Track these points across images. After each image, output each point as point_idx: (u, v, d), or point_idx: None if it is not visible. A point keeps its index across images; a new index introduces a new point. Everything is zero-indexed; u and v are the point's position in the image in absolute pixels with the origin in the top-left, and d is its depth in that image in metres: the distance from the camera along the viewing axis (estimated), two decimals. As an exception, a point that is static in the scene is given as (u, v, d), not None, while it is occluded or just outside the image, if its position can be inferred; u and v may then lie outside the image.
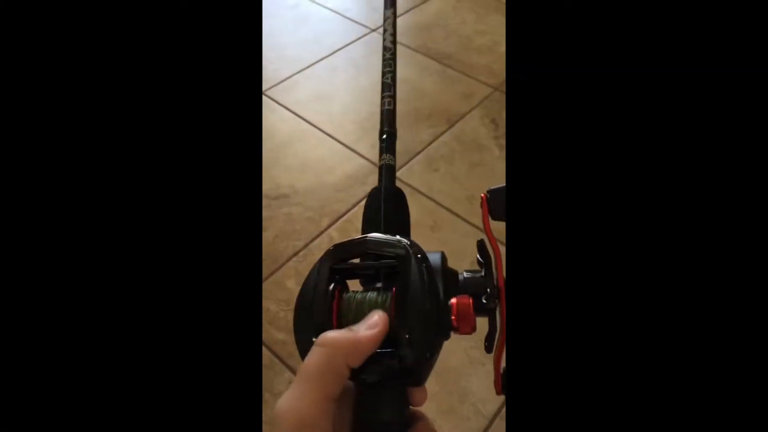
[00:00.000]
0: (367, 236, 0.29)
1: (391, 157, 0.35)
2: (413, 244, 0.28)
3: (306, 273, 0.28)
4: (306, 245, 1.03)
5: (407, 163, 1.18)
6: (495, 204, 0.28)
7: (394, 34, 0.39)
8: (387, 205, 0.34)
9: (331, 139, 1.24)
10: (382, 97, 0.37)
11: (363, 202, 0.35)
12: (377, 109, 0.37)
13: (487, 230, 0.29)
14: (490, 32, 1.51)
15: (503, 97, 1.32)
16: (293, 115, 1.30)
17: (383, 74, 0.37)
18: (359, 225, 0.34)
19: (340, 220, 1.07)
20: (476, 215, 1.11)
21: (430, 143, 1.22)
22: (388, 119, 0.36)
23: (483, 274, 0.28)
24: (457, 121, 1.26)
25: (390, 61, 0.38)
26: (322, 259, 0.28)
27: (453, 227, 1.04)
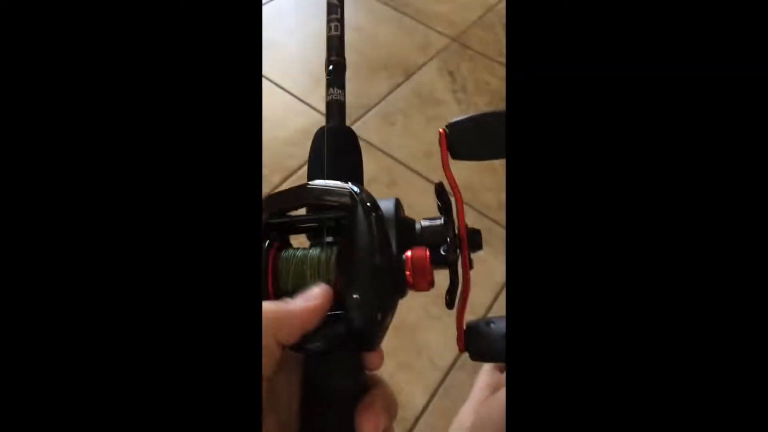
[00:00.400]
0: (306, 184, 0.25)
1: (340, 91, 0.31)
2: (362, 191, 0.24)
3: None
4: (257, 203, 0.98)
5: (363, 116, 1.13)
6: (457, 140, 0.25)
7: None
8: (335, 147, 0.30)
9: (280, 90, 1.17)
10: (328, 21, 0.31)
11: (316, 157, 0.31)
12: None
13: (446, 171, 0.25)
14: (448, -21, 1.45)
15: (461, 49, 1.28)
16: (239, 64, 1.21)
17: None
18: None
19: (293, 176, 1.02)
20: (435, 171, 1.10)
21: (386, 96, 1.17)
22: (335, 46, 0.31)
23: (442, 221, 0.25)
24: (413, 73, 1.22)
25: None
26: None
27: (411, 184, 1.02)
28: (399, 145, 1.08)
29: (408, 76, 1.21)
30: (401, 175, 1.03)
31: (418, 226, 0.26)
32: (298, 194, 0.25)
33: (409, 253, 0.24)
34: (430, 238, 0.25)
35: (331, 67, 0.31)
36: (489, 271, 0.89)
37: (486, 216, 0.97)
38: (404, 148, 1.07)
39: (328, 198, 0.24)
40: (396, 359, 0.82)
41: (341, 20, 0.32)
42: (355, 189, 0.24)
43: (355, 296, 0.22)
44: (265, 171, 1.03)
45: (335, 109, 0.31)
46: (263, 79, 1.18)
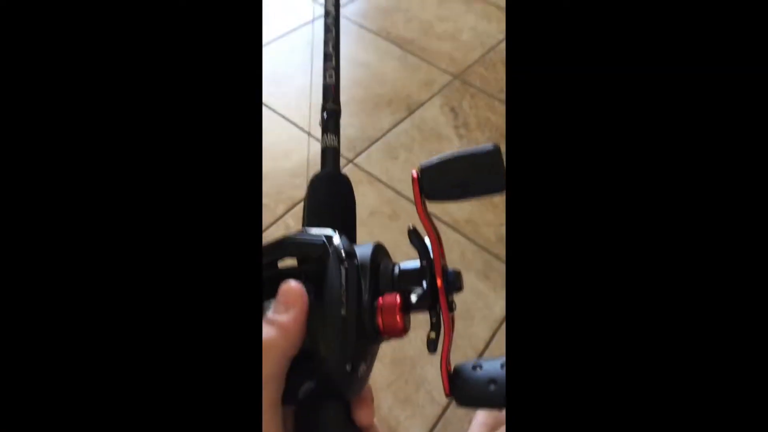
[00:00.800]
0: (285, 237, 0.25)
1: (334, 137, 0.32)
2: (339, 240, 0.25)
3: None
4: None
5: (367, 149, 1.15)
6: (429, 182, 0.24)
7: None
8: (328, 193, 0.31)
9: (287, 123, 1.20)
10: (324, 69, 0.33)
11: (320, 190, 0.32)
12: None
13: (420, 214, 0.25)
14: (452, 19, 1.50)
15: (463, 86, 1.31)
16: (247, 97, 1.24)
17: (324, 42, 0.34)
18: None
19: (297, 207, 1.04)
20: (435, 205, 1.11)
21: (390, 130, 1.20)
22: (330, 94, 0.32)
23: (419, 265, 0.25)
24: (416, 109, 1.25)
25: (331, 26, 0.34)
26: None
27: (413, 217, 1.03)
28: (401, 178, 1.09)
29: (411, 112, 1.24)
30: (403, 208, 1.04)
31: (396, 270, 0.26)
32: (277, 247, 0.25)
33: (381, 300, 0.24)
34: (406, 282, 0.25)
35: (325, 114, 0.32)
36: (488, 306, 0.89)
37: (486, 250, 0.98)
38: (406, 182, 1.09)
39: (302, 250, 0.25)
40: (395, 393, 0.81)
41: (336, 69, 0.33)
42: (334, 239, 0.25)
43: (323, 348, 0.23)
44: (269, 201, 1.04)
45: (329, 155, 0.32)
46: (272, 113, 1.22)
